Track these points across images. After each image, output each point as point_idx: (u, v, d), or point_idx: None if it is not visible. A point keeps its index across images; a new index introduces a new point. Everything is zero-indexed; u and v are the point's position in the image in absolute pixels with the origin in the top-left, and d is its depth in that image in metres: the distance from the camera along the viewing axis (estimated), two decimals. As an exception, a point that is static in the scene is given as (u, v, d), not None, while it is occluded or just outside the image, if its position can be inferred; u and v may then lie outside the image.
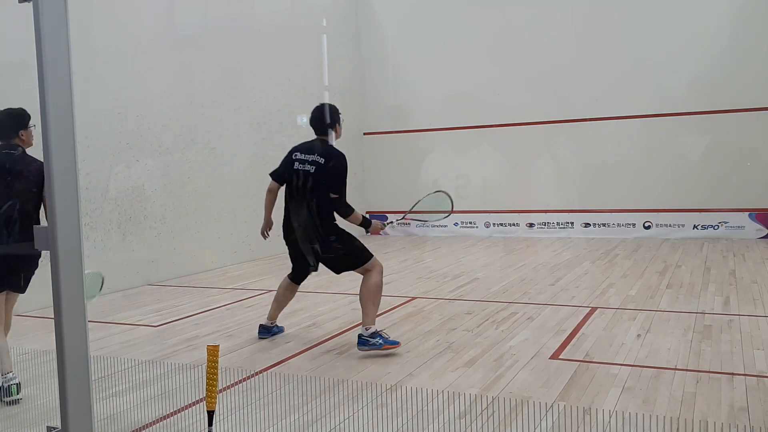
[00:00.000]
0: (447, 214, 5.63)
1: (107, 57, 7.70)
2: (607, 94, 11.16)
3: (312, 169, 5.05)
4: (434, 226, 5.70)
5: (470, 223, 12.26)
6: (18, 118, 4.45)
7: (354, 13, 12.97)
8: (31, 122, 4.44)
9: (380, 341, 4.82)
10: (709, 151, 10.74)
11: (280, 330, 5.58)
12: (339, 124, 5.20)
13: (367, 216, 5.35)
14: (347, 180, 5.09)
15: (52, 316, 1.94)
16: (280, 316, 5.54)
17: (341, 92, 12.26)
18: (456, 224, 12.34)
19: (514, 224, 11.95)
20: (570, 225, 11.55)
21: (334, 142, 5.24)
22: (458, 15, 12.09)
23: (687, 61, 10.62)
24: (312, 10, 12.03)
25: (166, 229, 8.55)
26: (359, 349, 4.82)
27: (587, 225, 11.44)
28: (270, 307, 5.55)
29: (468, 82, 12.05)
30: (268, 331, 5.50)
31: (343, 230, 5.15)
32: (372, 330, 4.86)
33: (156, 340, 5.55)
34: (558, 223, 11.64)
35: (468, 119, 12.17)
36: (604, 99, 11.17)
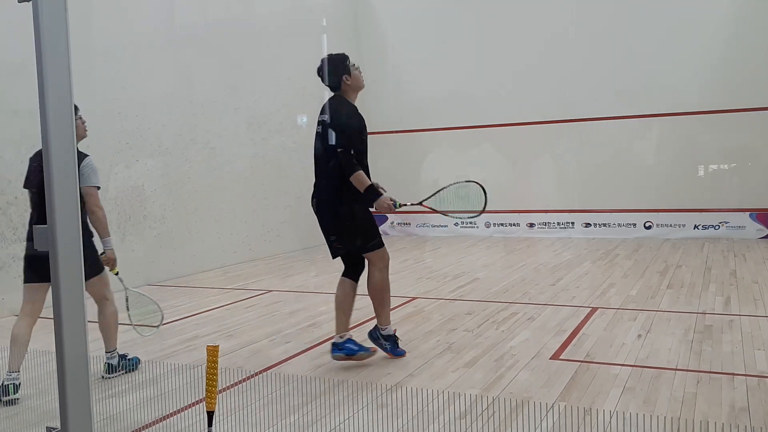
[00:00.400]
0: (477, 214, 5.01)
1: (107, 57, 7.69)
2: (607, 94, 11.16)
3: (320, 129, 4.52)
4: (460, 221, 4.82)
5: (470, 223, 12.25)
6: None
7: (354, 13, 12.96)
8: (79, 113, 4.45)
9: (388, 347, 4.65)
10: (709, 151, 10.74)
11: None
12: (349, 74, 4.61)
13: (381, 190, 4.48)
14: (354, 135, 4.44)
15: (52, 317, 1.93)
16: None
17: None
18: (456, 224, 12.33)
19: (514, 224, 11.94)
20: (570, 225, 11.54)
21: (353, 95, 4.73)
22: (458, 15, 12.08)
23: (687, 61, 10.61)
24: (312, 10, 12.03)
25: (166, 229, 8.55)
26: (369, 338, 4.66)
27: (588, 225, 11.44)
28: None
29: (468, 82, 12.04)
30: (340, 349, 4.54)
31: (359, 204, 4.48)
32: (388, 331, 4.63)
33: (155, 340, 5.54)
34: (558, 223, 11.63)
35: (468, 119, 12.16)
36: (604, 99, 11.17)
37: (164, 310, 6.65)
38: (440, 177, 12.50)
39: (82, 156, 4.35)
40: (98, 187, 4.43)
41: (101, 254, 4.51)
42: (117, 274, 4.64)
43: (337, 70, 4.63)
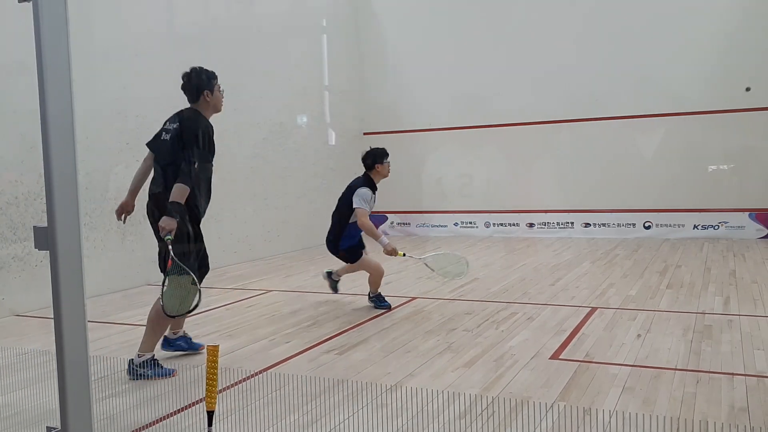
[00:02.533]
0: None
1: (107, 57, 7.69)
2: (608, 94, 11.17)
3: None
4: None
5: (470, 223, 12.26)
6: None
7: (354, 13, 12.96)
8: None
9: (150, 373, 4.36)
10: (709, 151, 10.75)
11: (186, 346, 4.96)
12: (211, 91, 4.70)
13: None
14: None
15: (52, 316, 1.93)
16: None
17: (341, 92, 12.25)
18: (456, 224, 12.34)
19: (514, 224, 11.95)
20: (570, 225, 11.55)
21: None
22: (459, 14, 12.09)
23: (688, 62, 10.62)
24: (312, 10, 12.03)
25: (166, 229, 8.53)
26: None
27: (587, 225, 11.44)
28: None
29: (469, 82, 12.05)
30: (170, 345, 4.92)
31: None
32: (146, 357, 4.40)
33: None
34: (558, 223, 11.64)
35: (468, 119, 12.17)
36: (604, 99, 11.18)
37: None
38: (442, 177, 12.54)
39: (358, 184, 6.18)
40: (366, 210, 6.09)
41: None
42: (404, 255, 5.98)
43: (200, 85, 4.69)
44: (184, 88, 4.75)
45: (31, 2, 1.85)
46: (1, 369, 4.75)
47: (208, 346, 2.61)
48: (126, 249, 7.95)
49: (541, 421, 3.48)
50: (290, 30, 10.98)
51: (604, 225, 11.33)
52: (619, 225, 11.24)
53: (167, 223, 4.32)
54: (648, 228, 11.05)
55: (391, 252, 5.91)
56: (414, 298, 6.76)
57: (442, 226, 12.43)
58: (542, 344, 4.92)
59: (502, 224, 12.05)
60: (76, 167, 1.89)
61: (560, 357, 4.61)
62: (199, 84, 4.68)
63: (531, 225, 11.83)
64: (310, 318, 6.09)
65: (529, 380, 4.14)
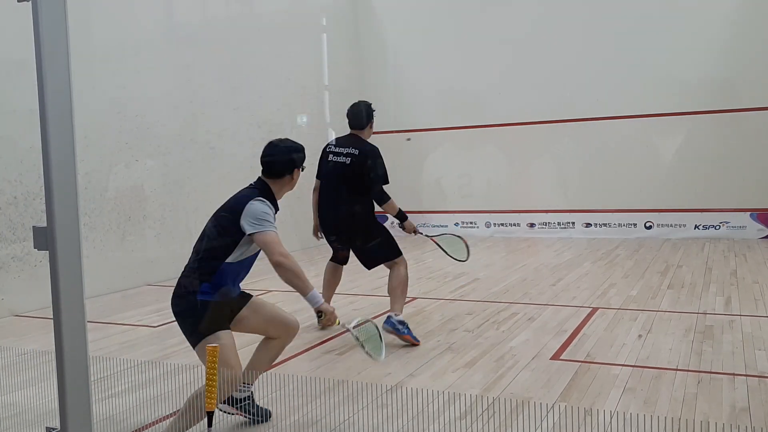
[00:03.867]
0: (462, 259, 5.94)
1: (106, 56, 7.68)
2: (609, 93, 11.15)
3: (347, 160, 5.40)
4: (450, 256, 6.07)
5: (471, 223, 12.25)
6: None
7: (354, 13, 12.95)
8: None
9: (405, 330, 5.01)
10: (709, 151, 10.73)
11: None
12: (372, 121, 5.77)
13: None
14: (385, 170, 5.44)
15: (52, 317, 1.92)
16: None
17: (341, 92, 12.23)
18: (457, 224, 12.33)
19: (515, 224, 11.93)
20: (571, 225, 11.53)
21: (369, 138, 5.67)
22: (459, 14, 12.07)
23: (688, 62, 10.60)
24: (312, 10, 12.02)
25: (166, 230, 8.53)
26: (384, 327, 4.98)
27: (588, 225, 11.43)
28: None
29: (469, 82, 12.03)
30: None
31: (379, 223, 5.58)
32: (401, 317, 5.10)
33: (155, 340, 5.54)
34: (559, 223, 11.62)
35: (469, 119, 12.15)
36: (606, 99, 11.16)
37: (164, 310, 6.66)
38: (442, 177, 12.52)
39: None
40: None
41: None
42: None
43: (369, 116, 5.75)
44: (352, 115, 5.83)
45: (30, 2, 1.84)
46: (1, 369, 4.74)
47: (207, 346, 2.60)
48: (125, 249, 7.94)
49: (541, 421, 3.48)
50: (290, 29, 10.98)
51: (605, 225, 11.32)
52: (620, 225, 11.22)
53: (411, 225, 5.73)
54: (649, 228, 11.04)
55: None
56: (414, 299, 6.75)
57: (442, 227, 12.40)
58: (543, 345, 4.91)
59: (502, 224, 12.03)
60: (75, 167, 1.88)
61: (561, 357, 4.60)
62: (369, 115, 5.82)
63: (532, 225, 11.81)
64: (310, 318, 6.07)
65: (530, 381, 4.13)
